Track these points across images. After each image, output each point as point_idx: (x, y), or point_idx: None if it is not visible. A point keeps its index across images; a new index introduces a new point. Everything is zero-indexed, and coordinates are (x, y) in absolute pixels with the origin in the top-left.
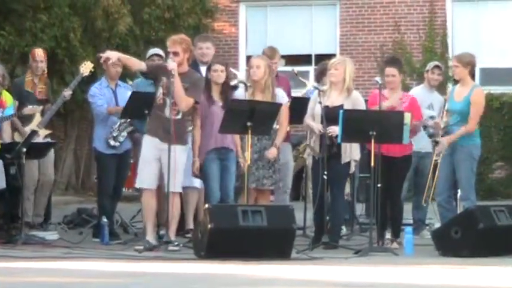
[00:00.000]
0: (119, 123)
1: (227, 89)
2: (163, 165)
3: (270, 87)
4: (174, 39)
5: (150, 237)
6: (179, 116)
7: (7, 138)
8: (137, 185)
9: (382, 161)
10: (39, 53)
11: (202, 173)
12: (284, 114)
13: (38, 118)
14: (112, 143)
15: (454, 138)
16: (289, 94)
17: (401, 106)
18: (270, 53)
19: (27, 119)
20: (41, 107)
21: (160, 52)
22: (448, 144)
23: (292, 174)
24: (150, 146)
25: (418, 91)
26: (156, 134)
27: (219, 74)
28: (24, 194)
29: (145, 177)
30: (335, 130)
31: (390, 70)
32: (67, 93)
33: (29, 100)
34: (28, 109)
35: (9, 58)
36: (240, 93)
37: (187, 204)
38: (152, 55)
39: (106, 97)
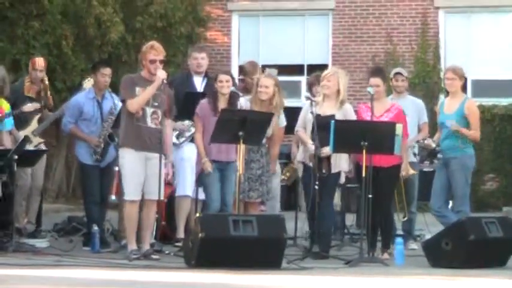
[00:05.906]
0: (102, 137)
1: (233, 100)
2: (148, 175)
3: (277, 107)
4: (159, 46)
5: (135, 245)
6: (159, 125)
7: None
8: (127, 197)
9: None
10: (40, 62)
11: (201, 182)
12: (279, 135)
13: (34, 125)
14: (95, 157)
15: (461, 130)
16: None
17: (387, 117)
18: (251, 67)
19: (22, 124)
20: (38, 105)
21: None
22: (454, 127)
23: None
24: (135, 158)
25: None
26: (140, 146)
27: (223, 85)
28: (17, 199)
29: (133, 189)
30: (327, 151)
31: (374, 80)
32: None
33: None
34: (27, 106)
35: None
36: (246, 103)
37: (179, 213)
38: None
39: (90, 108)
